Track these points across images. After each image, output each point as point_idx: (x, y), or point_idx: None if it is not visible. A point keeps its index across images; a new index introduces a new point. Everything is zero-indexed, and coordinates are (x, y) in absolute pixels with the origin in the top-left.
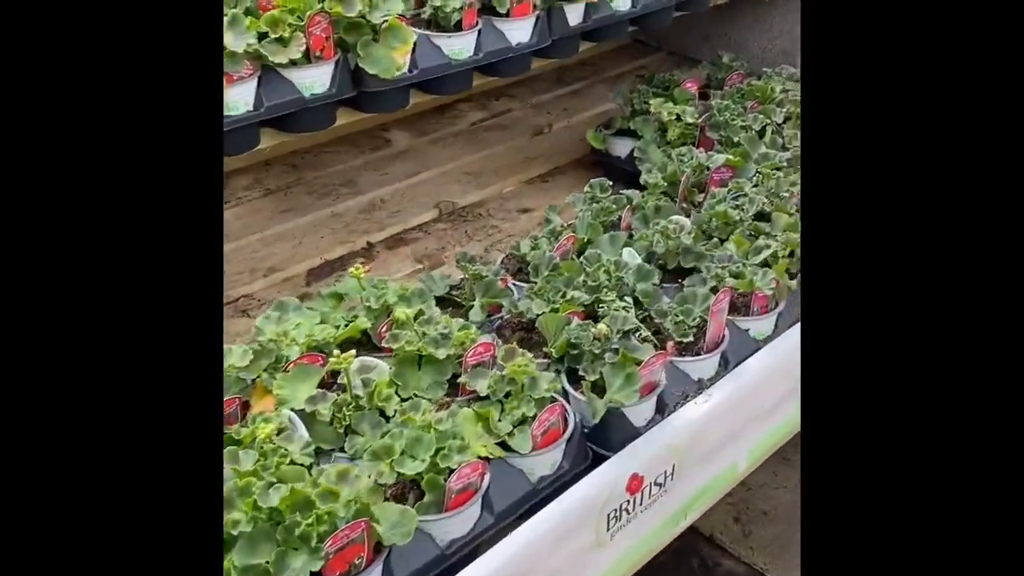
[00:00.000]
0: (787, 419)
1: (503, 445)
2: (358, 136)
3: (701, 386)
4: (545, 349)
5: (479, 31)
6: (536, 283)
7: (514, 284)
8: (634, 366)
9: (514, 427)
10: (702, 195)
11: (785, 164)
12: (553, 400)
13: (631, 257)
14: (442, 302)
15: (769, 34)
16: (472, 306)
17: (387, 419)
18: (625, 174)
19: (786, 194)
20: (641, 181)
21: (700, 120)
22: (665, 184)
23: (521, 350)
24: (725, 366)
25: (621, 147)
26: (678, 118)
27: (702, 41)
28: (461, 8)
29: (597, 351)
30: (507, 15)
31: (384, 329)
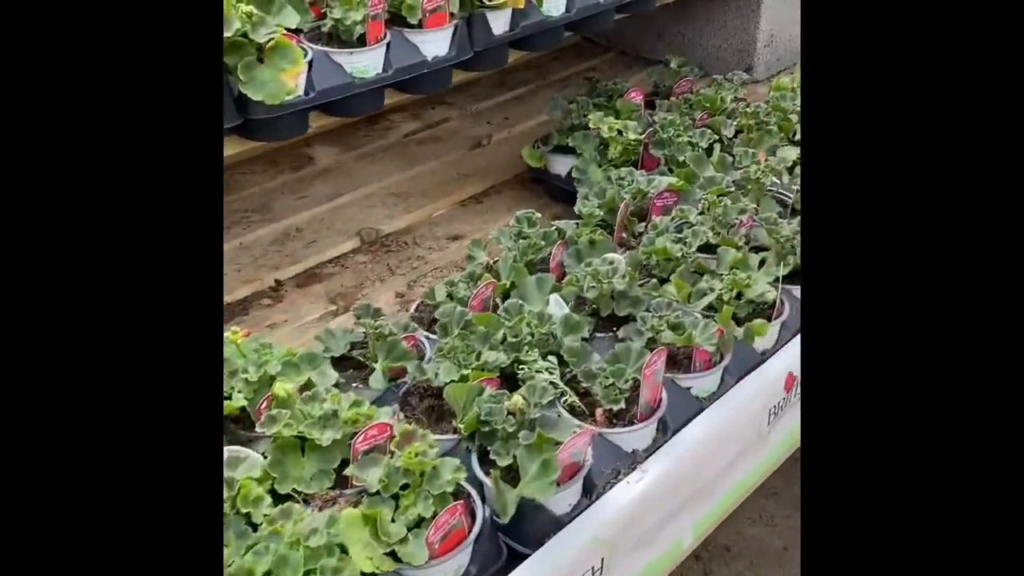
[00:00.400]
0: (738, 483)
1: (395, 554)
2: (277, 153)
3: (635, 459)
4: (454, 423)
5: (388, 45)
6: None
7: (427, 338)
8: (552, 448)
9: (409, 530)
10: (644, 224)
11: (732, 188)
12: (457, 493)
13: (558, 307)
14: (344, 362)
15: (723, 32)
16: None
17: (256, 527)
18: (566, 194)
19: (735, 222)
20: (576, 210)
21: (644, 136)
22: (602, 213)
23: (423, 431)
24: (664, 432)
25: (561, 164)
26: (620, 133)
27: (655, 39)
28: (364, 20)
29: (511, 428)
30: (419, 26)
31: (263, 406)
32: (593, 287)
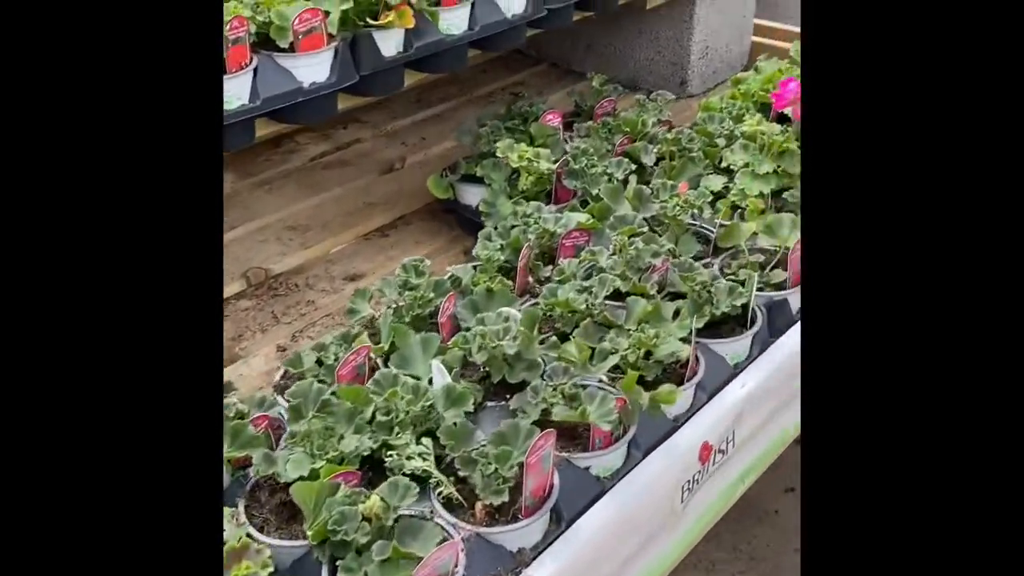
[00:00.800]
0: (646, 572)
1: None
2: None
3: (521, 560)
4: (305, 527)
5: (255, 71)
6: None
7: (286, 411)
8: (411, 565)
9: None
10: (551, 267)
11: (645, 227)
12: None
13: (440, 375)
14: None
15: (656, 44)
16: None
17: None
18: (480, 226)
19: (647, 264)
20: (475, 253)
21: (556, 166)
22: (503, 257)
23: (259, 545)
24: (558, 523)
25: (471, 194)
26: (531, 162)
27: (585, 51)
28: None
29: (365, 538)
30: (292, 50)
31: None
32: (483, 349)
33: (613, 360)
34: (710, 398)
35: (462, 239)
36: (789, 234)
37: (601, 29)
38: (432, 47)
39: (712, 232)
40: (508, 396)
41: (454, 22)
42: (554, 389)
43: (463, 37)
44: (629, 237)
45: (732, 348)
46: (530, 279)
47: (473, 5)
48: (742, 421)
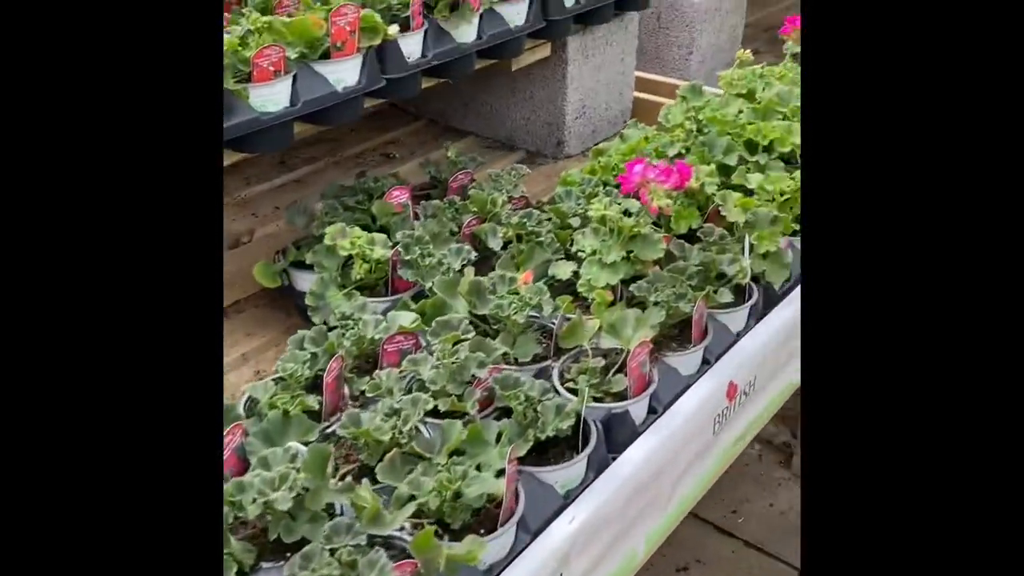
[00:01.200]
0: None
1: None
2: None
3: None
4: None
5: None
6: None
7: None
8: None
9: None
10: (370, 377)
11: (473, 332)
12: None
13: None
14: None
15: (531, 103)
16: None
17: None
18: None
19: (472, 378)
20: (277, 367)
21: (392, 254)
22: (316, 370)
23: None
24: None
25: (307, 281)
26: (365, 249)
27: (463, 108)
28: None
29: None
30: None
31: None
32: (255, 502)
33: (412, 508)
34: (534, 537)
35: (299, 328)
36: (633, 334)
37: (476, 86)
38: (244, 127)
39: (554, 324)
40: (289, 553)
41: (271, 99)
42: (332, 553)
43: (284, 114)
44: (453, 344)
45: (562, 475)
46: (346, 392)
47: (295, 79)
48: (570, 562)
